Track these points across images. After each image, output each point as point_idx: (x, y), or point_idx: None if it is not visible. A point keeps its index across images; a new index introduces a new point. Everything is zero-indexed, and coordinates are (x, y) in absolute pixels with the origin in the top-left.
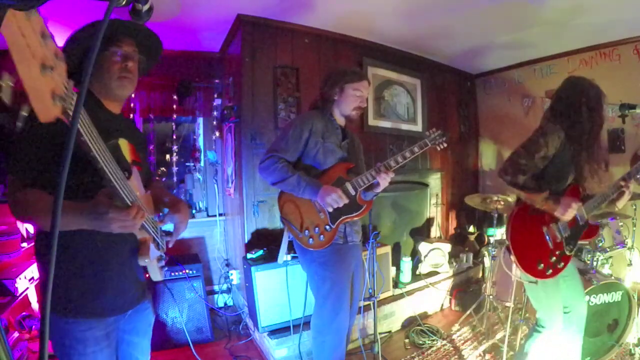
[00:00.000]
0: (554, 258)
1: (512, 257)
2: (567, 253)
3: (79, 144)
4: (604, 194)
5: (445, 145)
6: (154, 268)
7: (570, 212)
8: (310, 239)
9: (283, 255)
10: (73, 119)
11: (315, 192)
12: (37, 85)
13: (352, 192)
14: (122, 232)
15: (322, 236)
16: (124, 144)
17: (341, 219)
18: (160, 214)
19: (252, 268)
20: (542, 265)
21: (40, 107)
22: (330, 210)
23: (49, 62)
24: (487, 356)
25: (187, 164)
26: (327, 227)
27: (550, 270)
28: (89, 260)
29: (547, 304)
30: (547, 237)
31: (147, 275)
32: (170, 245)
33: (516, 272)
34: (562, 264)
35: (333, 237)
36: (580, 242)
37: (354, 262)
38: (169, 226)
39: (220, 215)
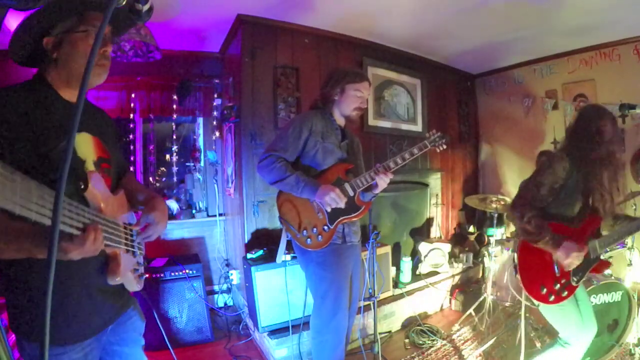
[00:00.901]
0: (558, 286)
1: (518, 277)
2: (573, 284)
3: None
4: (623, 231)
5: (445, 147)
6: (129, 279)
7: (570, 259)
8: (308, 239)
9: (281, 255)
10: (72, 126)
11: (314, 191)
12: None
13: (351, 193)
14: (85, 256)
15: (320, 236)
16: (84, 141)
17: (339, 219)
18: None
19: (252, 268)
20: (545, 290)
21: None
22: (329, 209)
23: None
24: (487, 356)
25: (187, 164)
26: (325, 227)
27: (553, 297)
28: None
29: (567, 322)
30: (555, 265)
31: None
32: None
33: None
34: (566, 292)
35: (331, 238)
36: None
37: (352, 263)
38: None
39: (220, 215)
